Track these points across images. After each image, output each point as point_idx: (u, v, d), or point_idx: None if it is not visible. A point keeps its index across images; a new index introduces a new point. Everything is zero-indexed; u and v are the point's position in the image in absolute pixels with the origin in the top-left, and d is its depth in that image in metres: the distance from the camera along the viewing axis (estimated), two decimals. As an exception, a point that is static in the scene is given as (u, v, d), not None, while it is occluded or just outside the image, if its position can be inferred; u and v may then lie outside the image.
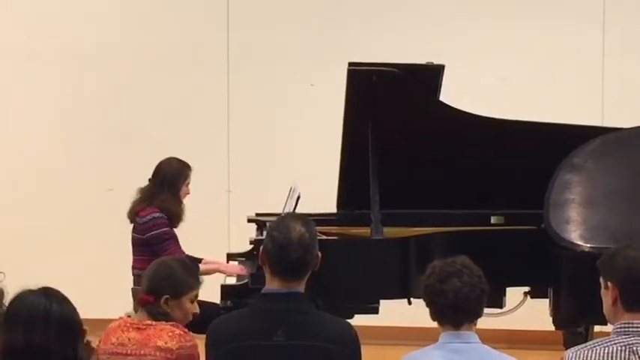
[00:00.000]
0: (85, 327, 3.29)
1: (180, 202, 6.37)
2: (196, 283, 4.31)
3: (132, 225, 6.38)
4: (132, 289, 5.97)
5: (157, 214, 6.26)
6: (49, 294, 3.26)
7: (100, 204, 8.27)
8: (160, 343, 4.05)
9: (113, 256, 7.43)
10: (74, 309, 3.27)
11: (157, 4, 8.52)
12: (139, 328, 4.11)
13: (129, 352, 4.05)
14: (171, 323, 4.15)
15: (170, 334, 4.10)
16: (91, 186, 8.46)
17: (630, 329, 3.62)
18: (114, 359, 4.06)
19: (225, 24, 8.37)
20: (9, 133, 8.59)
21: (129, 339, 4.09)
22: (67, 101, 8.56)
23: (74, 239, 8.40)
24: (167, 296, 4.19)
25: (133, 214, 6.34)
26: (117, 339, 4.10)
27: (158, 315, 4.17)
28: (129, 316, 4.21)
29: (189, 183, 6.40)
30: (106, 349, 4.08)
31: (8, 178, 8.56)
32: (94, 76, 8.51)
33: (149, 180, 6.37)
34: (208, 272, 6.31)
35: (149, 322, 4.13)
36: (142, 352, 4.03)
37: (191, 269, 4.42)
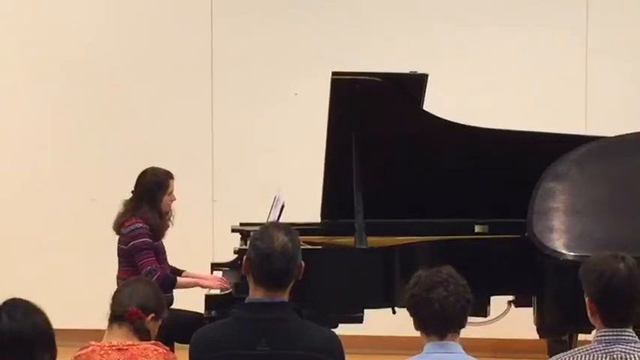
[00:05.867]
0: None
1: (161, 215, 6.31)
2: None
3: (116, 234, 6.36)
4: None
5: (140, 225, 6.22)
6: (4, 309, 3.19)
7: (83, 214, 8.24)
8: None
9: (96, 266, 7.42)
10: (35, 325, 3.20)
11: (141, 16, 8.49)
12: (120, 349, 4.03)
13: None
14: (152, 342, 4.11)
15: (155, 352, 4.05)
16: (74, 196, 8.43)
17: (609, 337, 3.65)
18: None
19: (208, 34, 8.36)
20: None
21: None
22: (51, 112, 8.55)
23: (57, 248, 8.38)
24: (153, 315, 4.17)
25: (118, 226, 6.31)
26: None
27: (143, 332, 4.14)
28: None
29: (171, 192, 6.36)
30: None
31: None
32: (78, 88, 8.49)
33: (132, 192, 6.35)
34: (188, 286, 6.30)
35: (130, 342, 4.08)
36: None
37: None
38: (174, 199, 6.39)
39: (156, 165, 6.40)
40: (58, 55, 8.48)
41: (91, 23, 8.52)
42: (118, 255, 6.32)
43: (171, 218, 6.41)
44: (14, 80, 8.54)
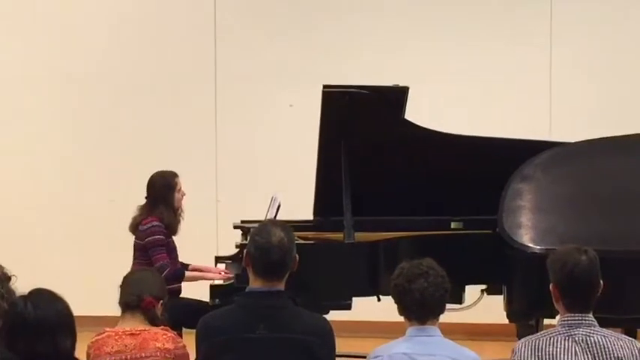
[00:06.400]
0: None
1: (175, 213, 6.34)
2: None
3: (132, 234, 6.35)
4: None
5: (156, 223, 6.23)
6: (29, 298, 3.20)
7: (103, 213, 8.24)
8: (159, 344, 4.03)
9: (112, 260, 7.40)
10: (58, 312, 3.19)
11: (151, 32, 8.49)
12: (132, 334, 4.05)
13: (129, 356, 3.99)
14: (161, 327, 4.12)
15: (164, 336, 4.08)
16: (94, 198, 8.44)
17: (572, 322, 3.68)
18: None
19: (212, 50, 8.38)
20: (19, 151, 8.57)
21: (125, 345, 4.02)
22: (71, 121, 8.56)
23: (78, 244, 8.39)
24: (162, 301, 4.20)
25: (135, 227, 6.31)
26: (112, 347, 4.02)
27: (155, 318, 4.14)
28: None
29: (180, 189, 6.37)
30: (104, 358, 4.00)
31: (20, 191, 8.55)
32: (97, 103, 8.51)
33: (145, 198, 6.35)
34: (193, 280, 6.30)
35: (141, 327, 4.08)
36: (143, 354, 3.99)
37: None
38: (184, 194, 6.41)
39: (166, 169, 6.42)
40: (77, 71, 8.49)
41: (107, 41, 8.53)
42: (134, 250, 6.31)
43: (182, 214, 6.41)
44: (41, 94, 8.54)
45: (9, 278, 3.60)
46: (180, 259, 6.44)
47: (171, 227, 6.30)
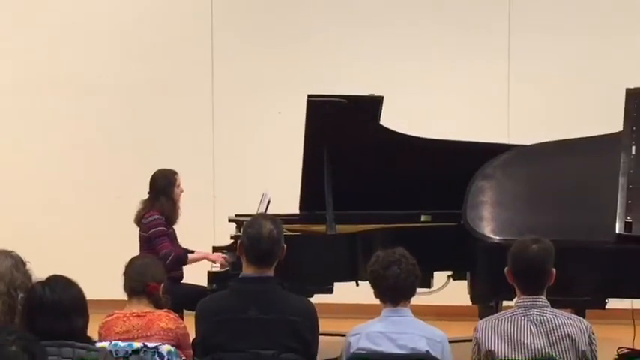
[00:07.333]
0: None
1: (175, 205, 6.34)
2: None
3: (137, 227, 6.35)
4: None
5: (157, 216, 6.24)
6: (47, 284, 3.22)
7: (111, 209, 8.23)
8: (163, 324, 4.04)
9: (120, 250, 7.39)
10: (72, 295, 3.21)
11: (154, 43, 8.46)
12: (139, 316, 4.07)
13: (136, 335, 4.00)
14: (164, 310, 4.14)
15: (167, 317, 4.09)
16: (102, 194, 8.42)
17: (527, 303, 3.70)
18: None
19: (209, 62, 8.36)
20: (34, 152, 8.55)
21: (132, 326, 4.04)
22: (80, 124, 8.49)
23: (89, 237, 8.34)
24: (163, 283, 4.21)
25: (139, 219, 6.31)
26: (121, 327, 4.04)
27: (159, 301, 4.16)
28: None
29: (179, 184, 6.38)
30: (113, 337, 4.00)
31: (34, 189, 8.51)
32: (103, 103, 8.45)
33: (148, 193, 6.35)
34: (197, 260, 6.32)
35: (147, 310, 4.10)
36: (148, 333, 4.01)
37: None
38: (182, 190, 6.42)
39: (167, 168, 6.43)
40: (86, 77, 8.42)
41: (113, 50, 8.47)
42: (140, 241, 6.31)
43: (179, 209, 6.42)
44: (53, 98, 8.47)
45: (24, 264, 3.62)
46: (184, 247, 6.45)
47: (170, 218, 6.31)
